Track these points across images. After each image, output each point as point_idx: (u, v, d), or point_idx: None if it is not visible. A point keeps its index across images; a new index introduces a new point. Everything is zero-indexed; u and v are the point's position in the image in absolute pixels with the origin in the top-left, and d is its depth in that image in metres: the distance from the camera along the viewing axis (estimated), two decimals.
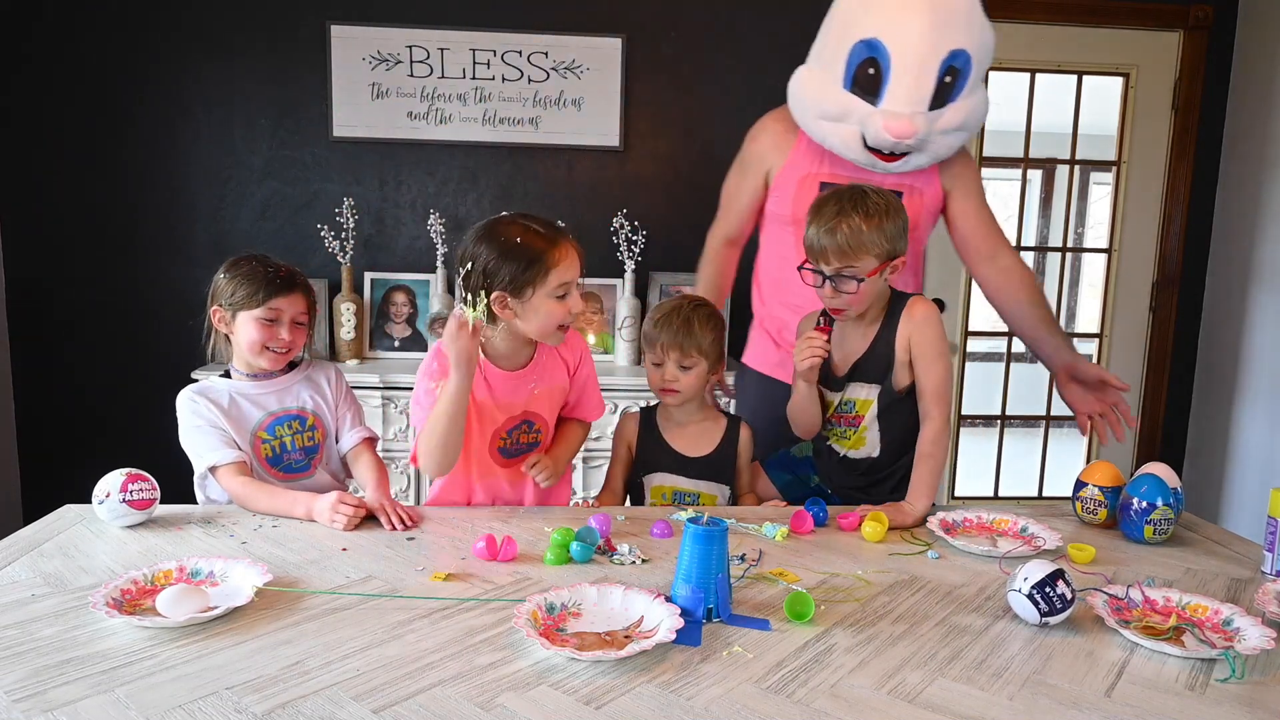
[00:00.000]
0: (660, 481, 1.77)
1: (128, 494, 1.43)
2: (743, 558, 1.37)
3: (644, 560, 1.36)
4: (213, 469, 1.58)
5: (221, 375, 1.70)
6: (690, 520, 1.18)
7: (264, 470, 1.64)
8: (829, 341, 1.65)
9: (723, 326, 1.79)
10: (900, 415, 1.69)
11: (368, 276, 3.05)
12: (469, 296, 1.49)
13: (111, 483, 1.44)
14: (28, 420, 3.08)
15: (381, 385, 2.74)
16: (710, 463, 1.77)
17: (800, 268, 1.64)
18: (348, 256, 2.96)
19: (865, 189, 1.62)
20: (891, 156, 1.82)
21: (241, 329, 1.64)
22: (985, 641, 1.12)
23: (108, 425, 3.08)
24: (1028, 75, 3.29)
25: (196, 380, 2.66)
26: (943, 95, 1.78)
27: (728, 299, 2.24)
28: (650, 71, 3.10)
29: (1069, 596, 1.14)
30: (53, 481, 3.08)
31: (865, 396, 1.70)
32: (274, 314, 1.62)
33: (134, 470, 1.46)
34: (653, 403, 1.88)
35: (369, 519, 1.51)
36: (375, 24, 2.98)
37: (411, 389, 2.67)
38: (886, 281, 1.64)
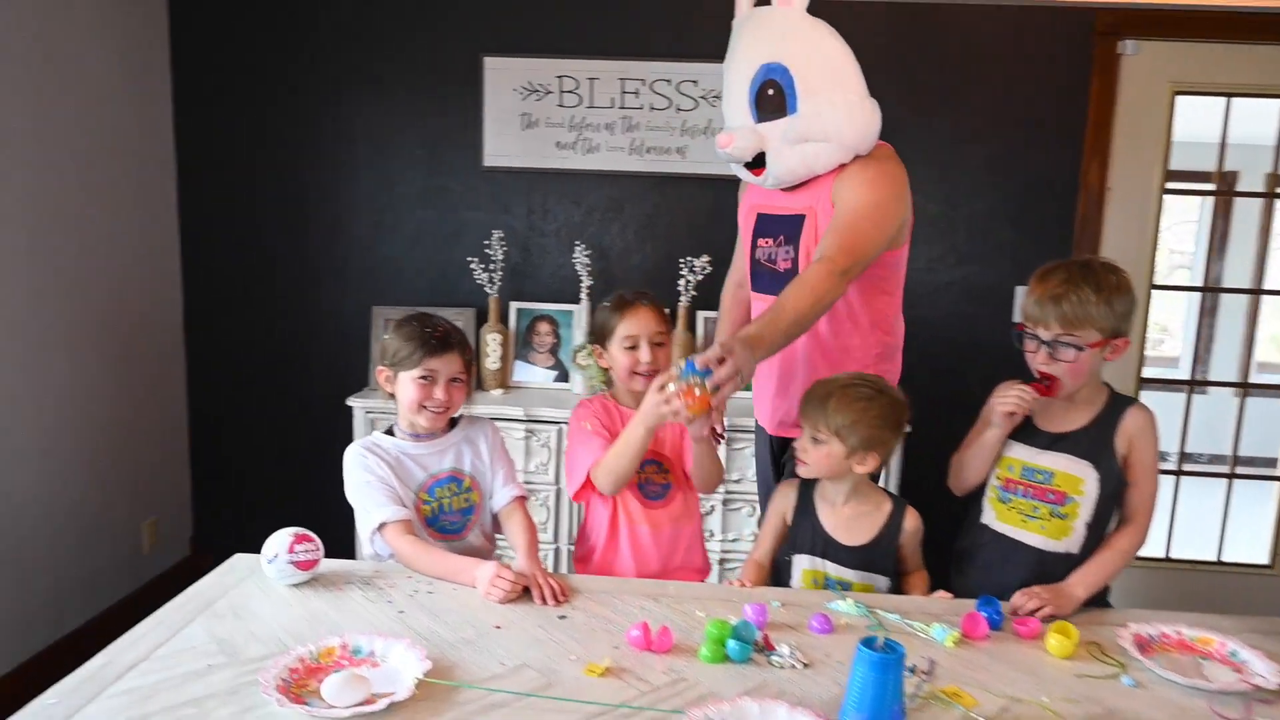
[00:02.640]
0: (809, 565, 1.67)
1: (294, 554, 1.48)
2: (913, 669, 1.27)
3: (805, 665, 1.29)
4: (380, 526, 1.60)
5: (385, 432, 1.73)
6: (863, 643, 1.10)
7: (421, 529, 1.66)
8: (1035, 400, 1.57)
9: (872, 411, 1.60)
10: (1108, 515, 1.59)
11: (513, 306, 3.08)
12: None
13: (279, 543, 1.48)
14: (195, 439, 3.29)
15: (525, 419, 2.76)
16: (865, 553, 1.65)
17: (1020, 333, 1.60)
18: (495, 287, 3.00)
19: (1092, 261, 1.58)
20: (754, 169, 1.88)
21: (402, 388, 1.66)
22: None
23: (264, 450, 3.24)
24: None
25: (351, 407, 2.79)
26: (774, 108, 1.80)
27: None
28: None
29: None
30: (220, 492, 3.29)
31: (1072, 471, 1.58)
32: (430, 374, 1.64)
33: (300, 530, 1.51)
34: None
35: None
36: (527, 55, 3.01)
37: (554, 422, 2.73)
38: (1103, 361, 1.58)
